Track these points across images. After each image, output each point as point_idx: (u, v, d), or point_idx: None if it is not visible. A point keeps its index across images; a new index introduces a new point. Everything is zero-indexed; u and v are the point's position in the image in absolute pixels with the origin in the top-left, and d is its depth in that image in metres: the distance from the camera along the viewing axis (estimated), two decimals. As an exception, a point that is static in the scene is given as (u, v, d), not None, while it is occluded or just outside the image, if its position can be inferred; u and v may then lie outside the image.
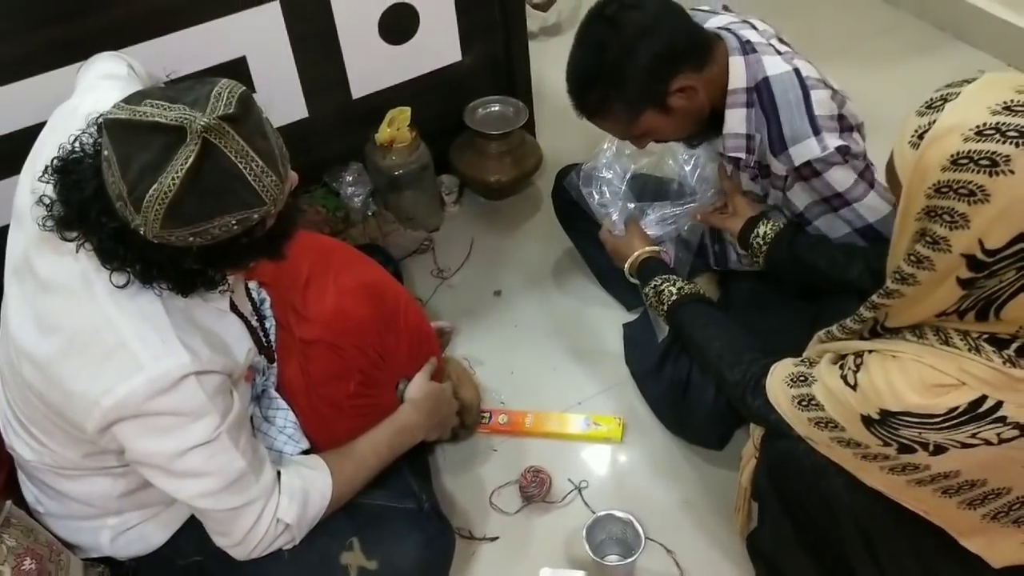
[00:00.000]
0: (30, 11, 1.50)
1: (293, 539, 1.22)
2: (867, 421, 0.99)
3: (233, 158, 0.93)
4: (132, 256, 0.99)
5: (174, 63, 1.63)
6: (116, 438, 1.06)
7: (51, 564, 1.21)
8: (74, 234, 1.00)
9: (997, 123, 0.83)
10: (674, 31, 1.36)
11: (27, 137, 1.56)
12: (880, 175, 1.36)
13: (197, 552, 1.29)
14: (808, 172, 1.34)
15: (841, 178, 1.34)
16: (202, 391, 1.05)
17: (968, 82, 0.89)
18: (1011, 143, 0.81)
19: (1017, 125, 0.82)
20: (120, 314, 1.03)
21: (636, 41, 1.34)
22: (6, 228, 1.65)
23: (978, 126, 0.83)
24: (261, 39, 1.77)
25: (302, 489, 1.22)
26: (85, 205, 0.97)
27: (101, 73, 1.34)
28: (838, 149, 1.31)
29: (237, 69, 1.75)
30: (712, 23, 1.47)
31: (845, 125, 1.36)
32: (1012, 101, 0.84)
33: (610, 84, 1.38)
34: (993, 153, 0.82)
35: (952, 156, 0.84)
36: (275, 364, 1.39)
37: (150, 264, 1.00)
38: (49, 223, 1.00)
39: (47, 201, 1.01)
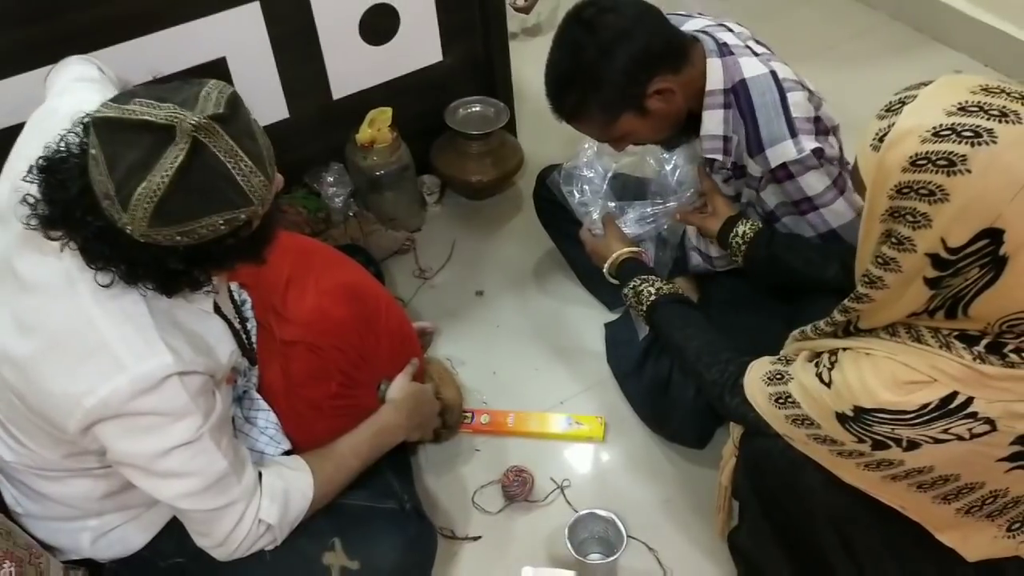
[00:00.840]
0: (5, 12, 1.49)
1: (275, 540, 1.22)
2: (841, 418, 1.00)
3: (222, 158, 0.93)
4: (117, 256, 0.99)
5: (153, 64, 1.62)
6: (98, 438, 1.05)
7: (30, 567, 1.20)
8: (58, 233, 1.00)
9: (952, 124, 0.85)
10: (651, 34, 1.37)
11: (1, 139, 1.55)
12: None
13: (178, 554, 1.28)
14: (783, 174, 1.36)
15: (814, 182, 1.35)
16: (184, 391, 1.05)
17: (925, 84, 0.91)
18: (966, 143, 0.83)
19: (972, 125, 0.84)
20: (102, 314, 1.02)
21: (613, 44, 1.34)
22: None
23: (934, 127, 0.85)
24: (241, 40, 1.77)
25: (283, 490, 1.22)
26: (70, 204, 0.97)
27: (74, 76, 1.34)
28: (814, 152, 1.33)
29: (217, 70, 1.75)
30: (688, 26, 1.48)
31: (821, 128, 1.37)
32: (967, 102, 0.86)
33: (587, 87, 1.39)
34: (950, 153, 0.84)
35: (911, 157, 0.86)
36: (256, 365, 1.39)
37: (135, 264, 0.99)
38: (33, 222, 1.00)
39: (31, 200, 1.00)
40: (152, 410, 1.03)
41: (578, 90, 1.40)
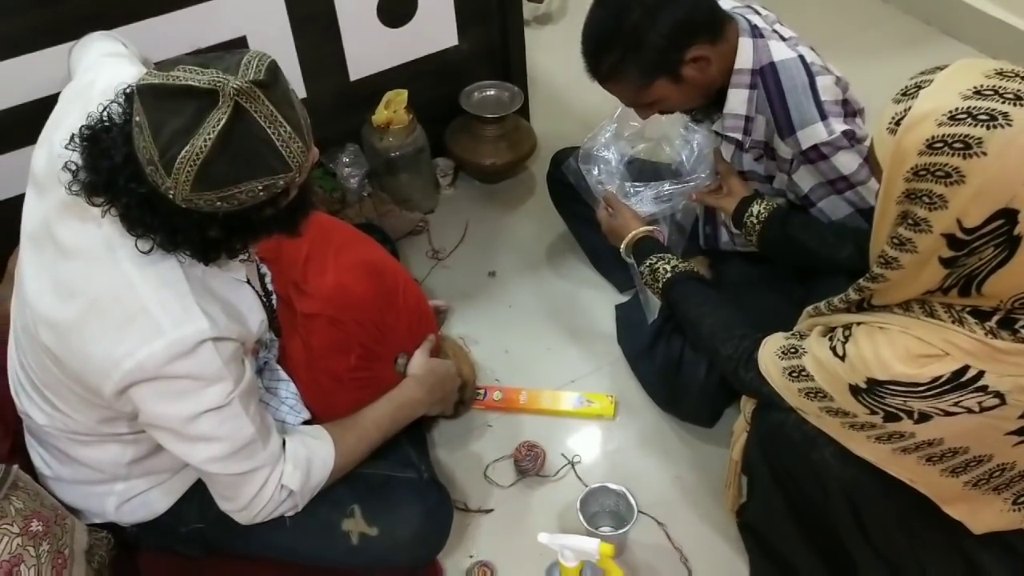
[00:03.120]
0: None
1: (296, 506, 1.25)
2: (855, 390, 1.03)
3: (262, 123, 0.95)
4: (158, 223, 1.01)
5: (174, 42, 1.64)
6: (132, 401, 1.08)
7: (57, 527, 1.23)
8: (100, 200, 1.02)
9: (968, 107, 0.87)
10: (694, 1, 1.38)
11: (20, 114, 1.56)
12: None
13: (199, 520, 1.32)
14: (815, 155, 1.37)
15: (847, 161, 1.37)
16: (218, 357, 1.07)
17: (941, 69, 0.93)
18: (982, 126, 0.86)
19: (987, 108, 0.86)
20: (142, 279, 1.05)
21: (658, 7, 1.35)
22: (7, 201, 1.66)
23: (951, 111, 0.87)
24: (261, 19, 1.78)
25: (306, 457, 1.25)
26: (114, 172, 0.99)
27: (103, 52, 1.36)
28: (844, 133, 1.34)
29: (237, 48, 1.76)
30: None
31: (849, 110, 1.39)
32: (982, 86, 0.88)
33: (628, 48, 1.39)
34: (966, 136, 0.86)
35: (928, 140, 0.88)
36: (279, 337, 1.42)
37: (176, 231, 1.02)
38: (76, 187, 1.02)
39: (73, 168, 1.03)
40: (187, 374, 1.06)
41: (618, 50, 1.40)
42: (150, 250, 1.04)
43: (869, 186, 1.39)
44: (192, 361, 1.05)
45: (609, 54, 1.42)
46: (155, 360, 1.04)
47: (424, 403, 1.50)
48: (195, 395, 1.08)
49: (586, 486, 1.54)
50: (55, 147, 1.09)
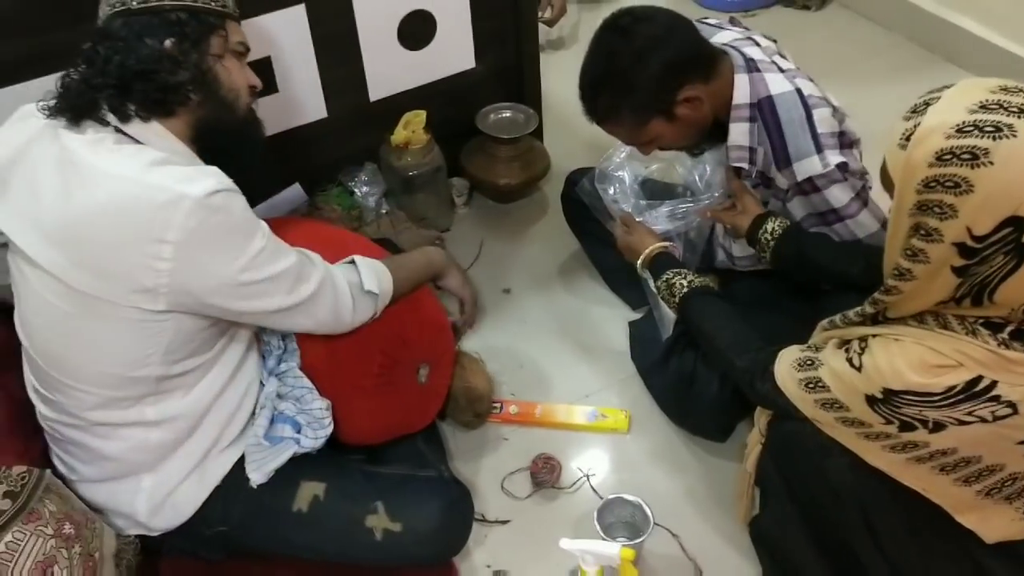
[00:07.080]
0: (48, 10, 1.53)
1: (376, 311, 1.39)
2: (871, 400, 1.06)
3: None
4: (115, 53, 1.15)
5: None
6: (185, 275, 1.12)
7: (87, 531, 1.24)
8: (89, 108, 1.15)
9: (975, 120, 0.91)
10: (683, 44, 1.43)
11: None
12: (876, 188, 1.44)
13: (223, 523, 1.34)
14: (809, 187, 1.42)
15: (839, 194, 1.41)
16: (241, 200, 1.16)
17: (947, 88, 0.98)
18: (988, 137, 0.90)
19: (993, 121, 0.90)
20: (140, 168, 1.11)
21: (647, 51, 1.41)
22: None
23: (958, 124, 0.92)
24: (286, 40, 1.83)
25: (370, 264, 1.38)
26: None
27: None
28: (838, 166, 1.39)
29: (261, 69, 1.78)
30: (718, 39, 1.54)
31: (845, 141, 1.44)
32: (987, 100, 0.92)
33: (620, 91, 1.45)
34: (973, 147, 0.90)
35: (937, 153, 0.92)
36: (297, 345, 1.45)
37: (127, 64, 1.15)
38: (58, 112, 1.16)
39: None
40: (224, 224, 1.13)
41: (611, 93, 1.46)
42: (119, 121, 1.15)
43: (858, 219, 1.44)
44: (224, 213, 1.12)
45: (603, 98, 1.48)
46: (195, 217, 1.09)
47: (455, 269, 1.64)
48: (241, 244, 1.15)
49: (601, 498, 1.57)
50: None
